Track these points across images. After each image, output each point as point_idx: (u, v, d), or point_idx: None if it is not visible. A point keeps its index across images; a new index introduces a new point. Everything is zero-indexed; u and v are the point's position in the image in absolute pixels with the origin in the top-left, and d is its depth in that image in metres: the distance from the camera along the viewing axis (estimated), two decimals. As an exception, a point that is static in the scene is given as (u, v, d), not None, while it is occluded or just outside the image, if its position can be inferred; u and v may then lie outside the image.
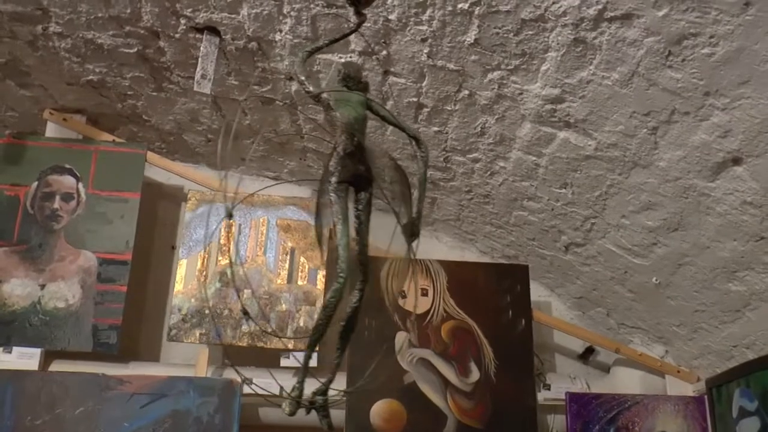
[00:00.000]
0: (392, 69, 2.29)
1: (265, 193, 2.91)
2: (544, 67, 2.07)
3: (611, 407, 2.71)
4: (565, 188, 2.49)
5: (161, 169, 3.00)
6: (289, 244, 2.86)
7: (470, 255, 3.19)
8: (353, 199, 1.29)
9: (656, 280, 2.58)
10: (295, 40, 2.24)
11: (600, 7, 1.79)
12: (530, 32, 1.97)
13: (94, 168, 2.84)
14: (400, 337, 2.72)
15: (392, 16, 2.08)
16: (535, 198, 2.62)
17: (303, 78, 1.33)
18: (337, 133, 1.27)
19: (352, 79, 1.36)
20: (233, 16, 2.21)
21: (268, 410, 2.75)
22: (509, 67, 2.12)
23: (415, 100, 2.39)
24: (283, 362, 2.76)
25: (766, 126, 1.82)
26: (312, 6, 2.11)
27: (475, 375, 2.72)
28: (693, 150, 2.03)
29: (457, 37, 2.08)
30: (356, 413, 2.65)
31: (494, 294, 2.82)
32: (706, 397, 2.70)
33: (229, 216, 1.30)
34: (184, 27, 2.29)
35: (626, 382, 2.90)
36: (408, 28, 2.10)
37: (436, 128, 2.50)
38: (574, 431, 2.67)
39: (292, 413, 1.21)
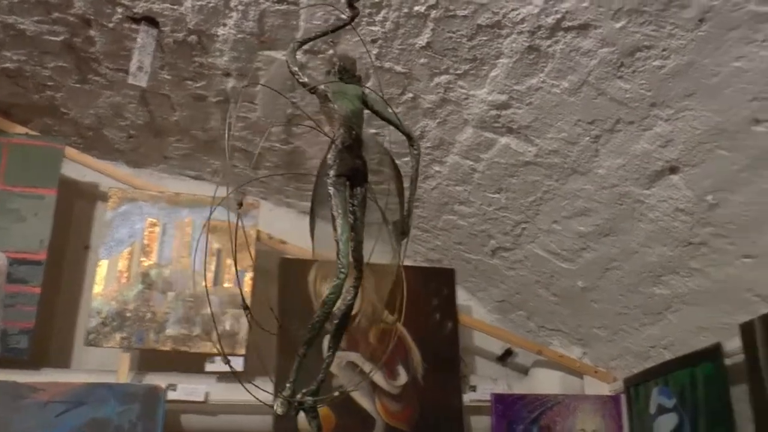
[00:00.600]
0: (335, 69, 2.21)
1: (190, 192, 2.76)
2: (493, 73, 2.04)
3: (534, 407, 2.73)
4: (499, 193, 2.48)
5: (76, 166, 2.79)
6: (216, 246, 2.72)
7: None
8: (348, 194, 1.22)
9: (581, 283, 2.62)
10: (239, 36, 2.12)
11: (559, 16, 1.79)
12: (484, 38, 1.94)
13: (5, 162, 2.60)
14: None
15: (345, 16, 2.00)
16: (467, 202, 2.60)
17: (296, 69, 1.24)
18: (335, 125, 1.19)
19: (347, 72, 1.28)
20: (175, 7, 2.07)
21: (192, 417, 2.60)
22: (458, 72, 2.08)
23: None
24: (208, 367, 2.62)
25: (705, 137, 1.87)
26: (261, 1, 2.00)
27: (403, 378, 2.68)
28: (633, 158, 2.06)
29: (409, 40, 2.03)
30: (283, 418, 2.53)
31: (422, 297, 2.79)
32: (623, 395, 2.76)
33: (239, 205, 1.19)
34: (120, 16, 2.12)
35: (545, 383, 2.93)
36: (359, 28, 2.02)
37: (373, 130, 2.43)
38: (499, 430, 2.67)
39: (285, 413, 1.13)
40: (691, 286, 2.26)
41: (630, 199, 2.17)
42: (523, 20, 1.84)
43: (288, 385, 1.15)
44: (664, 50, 1.73)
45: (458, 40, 1.98)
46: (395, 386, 2.66)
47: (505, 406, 2.71)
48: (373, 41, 2.06)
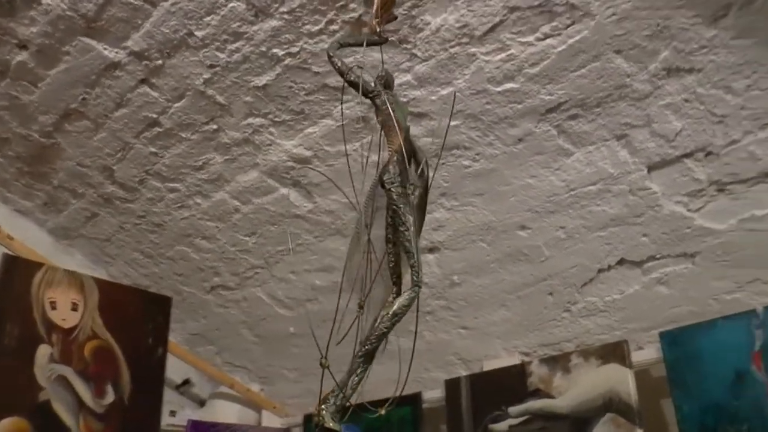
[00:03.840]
0: (153, 80, 1.83)
1: None
2: (311, 130, 1.91)
3: (225, 436, 2.51)
4: (250, 236, 2.28)
5: None
6: None
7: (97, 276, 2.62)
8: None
9: (293, 330, 2.52)
10: (68, 12, 1.63)
11: (403, 99, 1.77)
12: (322, 97, 1.82)
13: None
14: (42, 351, 2.06)
15: (199, 33, 1.69)
16: (212, 239, 2.33)
17: (347, 68, 1.01)
18: (394, 136, 1.00)
19: (387, 87, 1.08)
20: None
21: None
22: (276, 119, 1.90)
23: (154, 116, 1.93)
24: None
25: (474, 230, 2.00)
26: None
27: (110, 397, 2.22)
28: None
29: (248, 77, 1.79)
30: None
31: (140, 320, 2.37)
32: (295, 429, 2.72)
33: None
34: None
35: (223, 414, 2.73)
36: (204, 50, 1.72)
37: (154, 149, 2.05)
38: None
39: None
40: (402, 344, 2.35)
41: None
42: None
43: (335, 396, 0.90)
44: (477, 154, 1.83)
45: (296, 91, 1.81)
46: (101, 405, 2.18)
47: (199, 433, 2.44)
48: (211, 66, 1.77)
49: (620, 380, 1.72)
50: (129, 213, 2.31)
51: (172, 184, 2.18)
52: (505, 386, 2.06)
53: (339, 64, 1.04)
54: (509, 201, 1.90)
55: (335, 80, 1.76)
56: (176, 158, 2.09)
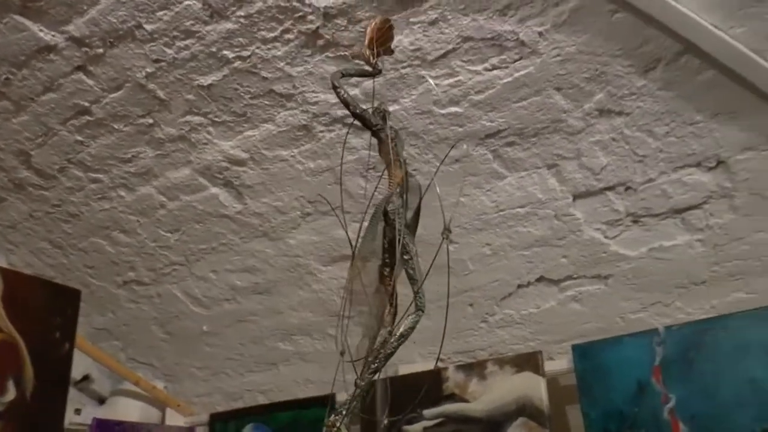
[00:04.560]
0: (91, 68, 1.77)
1: None
2: (250, 133, 1.92)
3: (128, 436, 2.44)
4: (173, 233, 2.24)
5: None
6: None
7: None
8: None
9: (206, 328, 2.49)
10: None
11: (348, 112, 1.81)
12: (267, 102, 1.84)
13: None
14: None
15: (148, 27, 1.65)
16: (132, 233, 2.26)
17: (351, 100, 1.04)
18: (399, 171, 1.04)
19: (383, 121, 1.12)
20: None
21: None
22: (216, 119, 1.89)
23: (86, 104, 1.87)
24: None
25: (401, 241, 2.09)
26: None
27: (11, 394, 2.09)
28: (329, 239, 2.14)
29: (193, 75, 1.78)
30: None
31: (46, 313, 2.25)
32: (199, 428, 2.67)
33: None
34: None
35: (124, 411, 2.64)
36: (151, 44, 1.69)
37: (80, 137, 1.97)
38: (96, 457, 2.30)
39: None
40: (318, 347, 2.40)
41: (304, 270, 2.23)
42: (315, 103, 1.82)
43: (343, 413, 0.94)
44: (414, 169, 1.91)
45: (241, 94, 1.82)
46: (2, 402, 2.06)
47: (104, 431, 2.35)
48: (156, 61, 1.74)
49: (533, 387, 1.86)
50: (42, 201, 2.20)
51: (95, 175, 2.10)
52: (420, 390, 2.15)
53: (344, 95, 1.07)
54: (439, 216, 1.99)
55: (282, 87, 1.79)
56: (103, 149, 2.02)
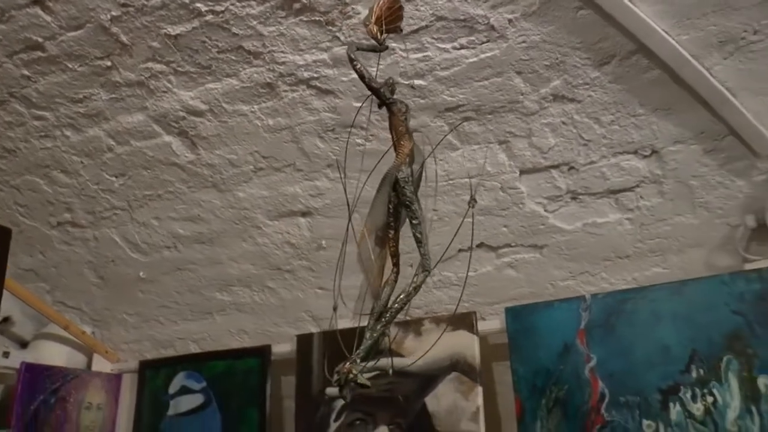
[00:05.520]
0: (50, 4, 1.71)
1: None
2: (212, 86, 1.93)
3: (57, 379, 2.42)
4: (117, 177, 2.22)
5: None
6: None
7: None
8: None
9: (143, 274, 2.49)
10: None
11: (315, 76, 1.86)
12: (234, 57, 1.85)
13: None
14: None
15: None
16: (73, 174, 2.22)
17: (369, 75, 1.10)
18: (408, 142, 1.12)
19: (392, 94, 1.17)
20: None
21: None
22: (180, 69, 1.89)
23: (39, 40, 1.82)
24: None
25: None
26: None
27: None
28: (279, 195, 2.18)
29: (161, 23, 1.77)
30: None
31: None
32: (125, 375, 2.68)
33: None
34: None
35: (48, 356, 2.61)
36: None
37: (27, 72, 1.91)
38: (23, 399, 2.28)
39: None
40: (256, 299, 2.45)
41: (250, 224, 2.27)
42: (283, 63, 1.85)
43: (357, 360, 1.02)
44: (372, 135, 1.98)
45: (208, 47, 1.83)
46: None
47: (33, 376, 2.33)
48: (124, 5, 1.71)
49: (467, 345, 2.02)
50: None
51: (39, 112, 2.05)
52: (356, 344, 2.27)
53: (360, 68, 1.12)
54: (390, 180, 2.09)
55: (251, 44, 1.81)
56: (53, 86, 1.97)
